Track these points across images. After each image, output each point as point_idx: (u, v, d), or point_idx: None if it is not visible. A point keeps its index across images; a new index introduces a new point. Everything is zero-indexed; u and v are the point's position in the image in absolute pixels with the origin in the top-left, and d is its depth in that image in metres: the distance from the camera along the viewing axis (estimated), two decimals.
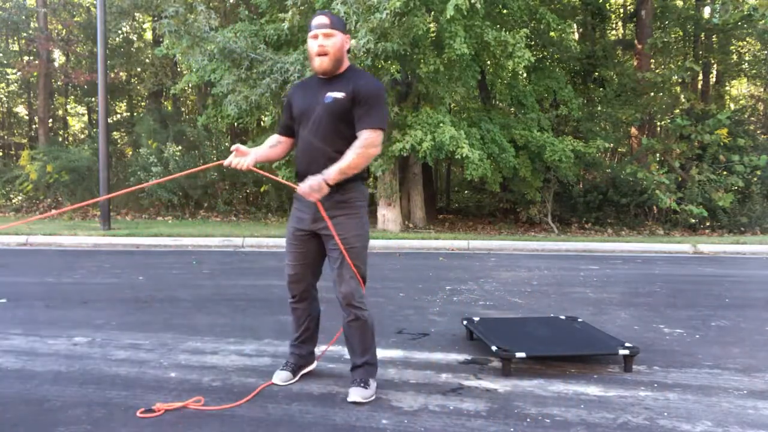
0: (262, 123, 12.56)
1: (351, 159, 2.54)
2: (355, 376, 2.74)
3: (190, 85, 12.59)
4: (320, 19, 2.62)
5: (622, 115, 13.39)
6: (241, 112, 10.14)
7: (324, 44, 2.59)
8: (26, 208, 13.66)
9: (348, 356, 2.86)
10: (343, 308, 2.69)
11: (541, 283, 5.90)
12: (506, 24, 11.04)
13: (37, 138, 15.95)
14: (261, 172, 2.90)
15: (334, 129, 2.60)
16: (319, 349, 3.49)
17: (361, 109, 2.59)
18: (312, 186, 2.50)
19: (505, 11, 11.25)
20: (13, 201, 14.10)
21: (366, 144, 2.57)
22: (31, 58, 16.09)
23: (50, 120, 16.86)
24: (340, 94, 2.59)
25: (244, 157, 2.64)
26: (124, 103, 19.16)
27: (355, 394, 2.66)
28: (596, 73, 14.06)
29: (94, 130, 16.01)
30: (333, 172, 2.52)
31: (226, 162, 2.65)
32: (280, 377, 2.88)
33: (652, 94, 14.05)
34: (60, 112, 18.41)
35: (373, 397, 2.70)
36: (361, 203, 2.70)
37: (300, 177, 2.65)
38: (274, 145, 2.83)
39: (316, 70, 2.66)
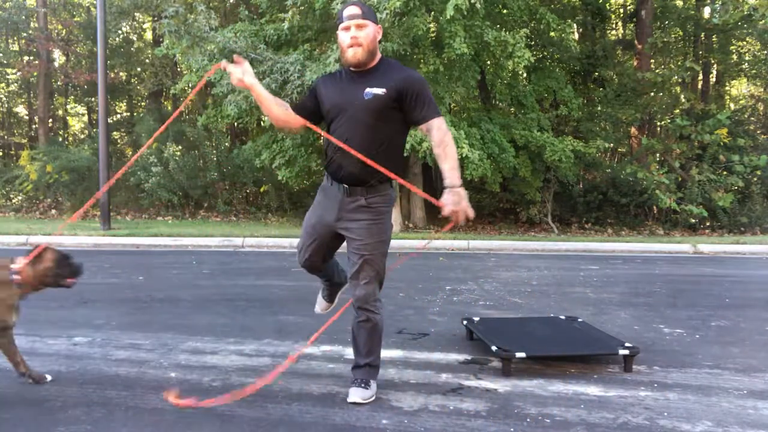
0: (262, 123, 12.54)
1: (451, 151, 2.49)
2: (356, 376, 2.73)
3: (190, 85, 12.57)
4: (352, 10, 2.51)
5: (622, 115, 13.39)
6: (241, 112, 10.14)
7: (357, 35, 2.49)
8: (26, 208, 13.66)
9: (348, 356, 2.86)
10: (355, 309, 2.68)
11: (541, 283, 5.90)
12: (506, 24, 11.04)
13: (37, 138, 15.95)
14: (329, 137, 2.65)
15: (373, 126, 2.52)
16: (320, 349, 3.49)
17: (416, 101, 2.53)
18: (455, 201, 2.42)
19: (505, 11, 11.25)
20: (13, 201, 14.10)
21: (446, 131, 2.54)
22: (31, 58, 16.09)
23: (50, 120, 16.86)
24: (380, 90, 2.50)
25: (240, 69, 2.49)
26: (124, 103, 19.16)
27: (356, 394, 2.66)
28: (596, 73, 14.05)
29: (94, 130, 16.01)
30: (455, 174, 2.45)
31: (222, 65, 2.53)
32: (321, 306, 3.09)
33: (652, 94, 14.05)
34: (60, 112, 18.40)
35: (373, 398, 2.70)
36: (385, 208, 2.64)
37: (334, 171, 2.61)
38: (281, 104, 2.65)
39: (350, 63, 2.54)
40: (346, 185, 2.58)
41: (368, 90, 2.51)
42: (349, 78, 2.60)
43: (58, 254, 2.85)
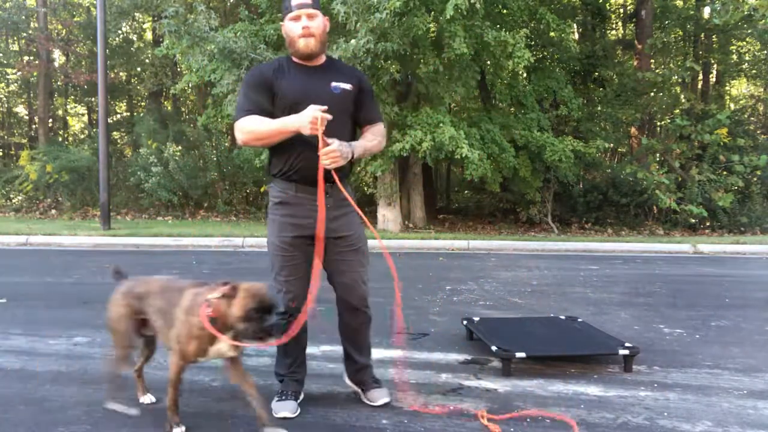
0: None
1: (375, 143, 2.53)
2: (366, 377, 2.70)
3: (190, 85, 12.57)
4: None
5: (622, 115, 13.39)
6: None
7: (309, 25, 2.39)
8: (26, 208, 13.66)
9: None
10: (353, 312, 2.58)
11: (541, 283, 5.90)
12: (506, 24, 11.04)
13: (37, 138, 15.95)
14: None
15: (342, 120, 2.46)
16: (320, 349, 3.49)
17: (369, 100, 2.57)
18: (342, 149, 2.32)
19: (505, 11, 11.25)
20: (13, 201, 14.10)
21: (383, 135, 2.57)
22: (31, 58, 16.09)
23: (50, 120, 16.86)
24: (347, 86, 2.47)
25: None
26: (124, 103, 19.17)
27: (382, 395, 2.64)
28: (596, 73, 14.05)
29: (94, 130, 16.01)
30: (359, 147, 2.43)
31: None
32: (288, 408, 2.53)
33: (652, 94, 14.05)
34: (60, 112, 18.40)
35: None
36: (354, 199, 2.61)
37: (305, 173, 2.40)
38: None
39: (302, 53, 2.42)
40: (326, 184, 2.41)
41: (335, 84, 2.45)
42: (302, 71, 2.46)
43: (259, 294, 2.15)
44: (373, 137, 2.56)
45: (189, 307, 2.23)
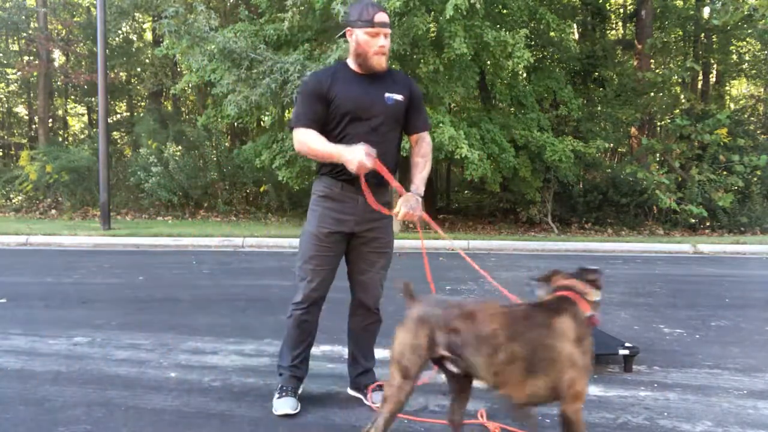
0: (262, 123, 12.55)
1: (429, 166, 2.60)
2: (368, 381, 2.75)
3: (190, 85, 12.56)
4: (383, 17, 2.45)
5: (622, 115, 13.38)
6: (241, 112, 10.14)
7: (385, 44, 2.48)
8: (26, 208, 13.66)
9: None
10: (368, 311, 2.70)
11: None
12: (506, 24, 11.04)
13: (37, 138, 15.95)
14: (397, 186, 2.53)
15: (393, 130, 2.57)
16: (320, 349, 3.49)
17: (420, 109, 2.63)
18: (413, 206, 2.41)
19: (504, 11, 11.25)
20: (13, 201, 14.10)
21: (430, 147, 2.66)
22: (31, 58, 16.09)
23: (50, 120, 16.86)
24: (399, 97, 2.54)
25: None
26: (124, 103, 19.16)
27: None
28: (596, 73, 14.05)
29: (94, 130, 16.02)
30: (421, 185, 2.51)
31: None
32: (289, 405, 2.57)
33: (652, 94, 14.04)
34: (60, 112, 18.40)
35: None
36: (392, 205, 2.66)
37: (349, 172, 2.41)
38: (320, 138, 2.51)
39: (374, 69, 2.50)
40: (375, 186, 2.50)
41: (388, 95, 2.53)
42: (358, 79, 2.54)
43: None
44: (425, 161, 2.59)
45: (577, 335, 1.86)
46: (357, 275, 2.64)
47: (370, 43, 2.46)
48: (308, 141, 2.47)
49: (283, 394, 2.61)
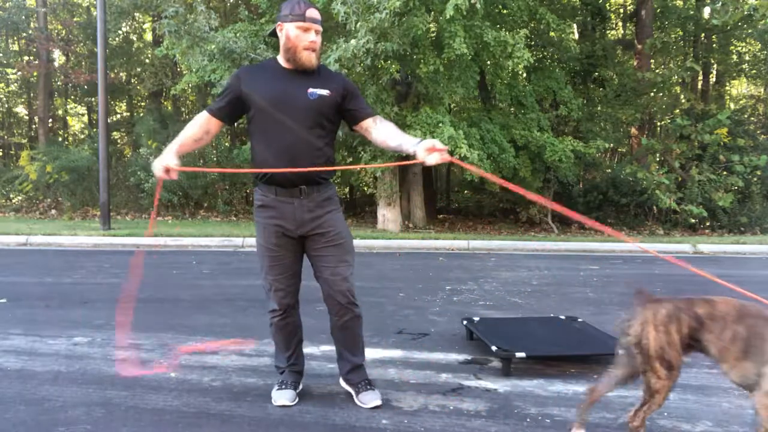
0: None
1: (400, 131, 2.57)
2: (357, 379, 2.69)
3: (190, 85, 12.57)
4: (314, 13, 2.48)
5: (622, 115, 13.39)
6: None
7: (316, 41, 2.49)
8: (26, 208, 13.66)
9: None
10: (339, 309, 2.58)
11: (541, 283, 5.90)
12: (506, 24, 11.04)
13: (37, 138, 15.95)
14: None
15: (320, 124, 2.52)
16: (320, 349, 3.49)
17: (360, 103, 2.61)
18: (430, 143, 2.35)
19: (505, 11, 11.25)
20: (13, 201, 14.10)
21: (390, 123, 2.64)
22: (31, 58, 16.10)
23: (50, 120, 16.86)
24: (324, 92, 2.51)
25: (167, 167, 2.47)
26: (124, 103, 19.16)
27: (374, 398, 2.62)
28: (596, 73, 14.05)
29: (94, 130, 16.01)
30: (412, 138, 2.48)
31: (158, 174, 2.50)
32: (287, 397, 2.64)
33: (652, 94, 14.04)
34: (60, 112, 18.41)
35: None
36: (337, 198, 2.67)
37: (282, 176, 2.49)
38: (199, 138, 2.63)
39: (302, 64, 2.49)
40: (303, 186, 2.51)
41: (312, 90, 2.50)
42: (283, 73, 2.54)
43: None
44: (390, 126, 2.59)
45: None
46: (320, 273, 2.59)
47: (300, 38, 2.47)
48: (187, 125, 2.64)
49: (283, 386, 2.68)
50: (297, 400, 2.67)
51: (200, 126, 2.61)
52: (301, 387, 2.78)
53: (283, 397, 2.64)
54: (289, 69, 2.54)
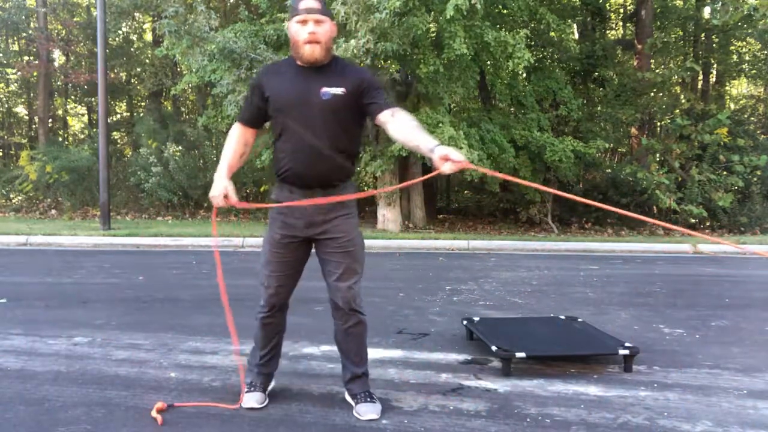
0: None
1: (420, 127, 2.41)
2: (358, 390, 2.61)
3: (190, 86, 12.57)
4: (309, 2, 2.38)
5: (622, 115, 13.38)
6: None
7: (316, 31, 2.36)
8: (26, 208, 13.66)
9: None
10: (344, 314, 2.54)
11: (541, 283, 5.90)
12: (506, 24, 11.04)
13: (37, 138, 15.95)
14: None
15: (337, 125, 2.44)
16: (320, 349, 3.49)
17: (376, 96, 2.47)
18: (450, 154, 2.20)
19: (505, 11, 11.25)
20: (13, 201, 14.10)
21: (409, 116, 2.47)
22: (31, 58, 16.09)
23: (50, 120, 16.86)
24: (339, 90, 2.42)
25: (226, 193, 2.49)
26: (124, 103, 19.16)
27: (370, 410, 2.52)
28: (596, 73, 14.05)
29: (94, 130, 16.00)
30: (431, 139, 2.32)
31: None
32: (255, 399, 2.61)
33: (652, 94, 14.04)
34: (60, 112, 18.40)
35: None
36: (353, 202, 2.58)
37: (299, 177, 2.45)
38: (242, 152, 2.60)
39: (306, 60, 2.41)
40: (318, 189, 2.46)
41: (325, 89, 2.41)
42: (298, 73, 2.47)
43: None
44: (415, 127, 2.40)
45: None
46: (327, 278, 2.56)
47: (299, 32, 2.39)
48: (228, 141, 2.59)
49: (252, 389, 2.66)
50: (266, 402, 2.64)
51: (238, 140, 2.57)
52: (271, 387, 2.75)
53: (251, 399, 2.61)
54: (303, 67, 2.46)
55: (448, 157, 2.19)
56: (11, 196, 14.19)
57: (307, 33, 2.37)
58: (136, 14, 15.96)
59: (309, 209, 2.48)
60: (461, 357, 3.40)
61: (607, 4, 16.44)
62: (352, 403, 2.62)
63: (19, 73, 16.17)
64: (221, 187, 2.46)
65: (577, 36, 14.95)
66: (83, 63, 16.75)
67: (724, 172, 12.21)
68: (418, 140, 2.35)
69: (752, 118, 17.03)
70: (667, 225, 2.56)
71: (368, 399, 2.58)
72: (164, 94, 16.58)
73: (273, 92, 2.46)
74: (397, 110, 2.46)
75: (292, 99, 2.43)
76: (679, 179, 12.23)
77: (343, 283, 2.51)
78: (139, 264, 6.89)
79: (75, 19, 16.41)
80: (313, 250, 2.61)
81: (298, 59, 2.45)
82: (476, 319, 3.84)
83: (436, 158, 2.23)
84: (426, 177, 2.62)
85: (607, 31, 17.72)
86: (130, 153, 15.98)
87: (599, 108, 13.96)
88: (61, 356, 3.33)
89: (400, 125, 2.41)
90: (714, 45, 16.64)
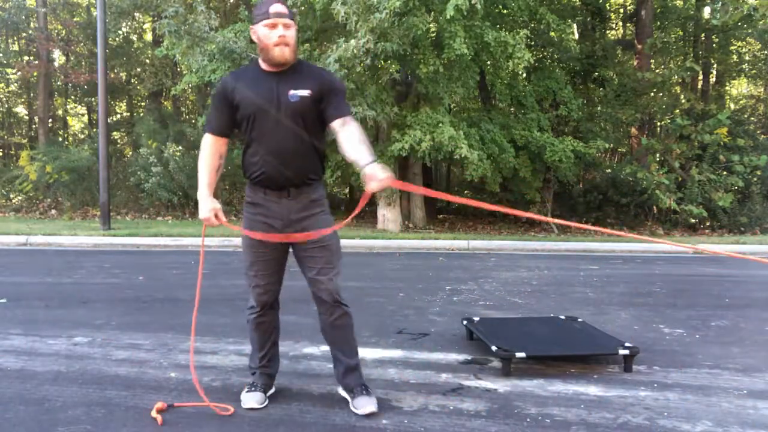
0: None
1: (363, 137, 2.45)
2: (353, 383, 2.62)
3: (190, 86, 12.57)
4: (278, 7, 2.44)
5: (622, 115, 13.39)
6: None
7: (285, 34, 2.43)
8: (26, 208, 13.66)
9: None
10: (328, 307, 2.57)
11: (541, 283, 5.90)
12: (506, 24, 11.04)
13: (37, 138, 15.95)
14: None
15: (305, 126, 2.50)
16: (320, 349, 3.49)
17: (334, 101, 2.51)
18: (377, 175, 2.26)
19: (505, 11, 11.25)
20: (13, 201, 14.10)
21: (360, 128, 2.50)
22: (31, 58, 16.10)
23: (50, 120, 16.86)
24: (305, 92, 2.47)
25: (216, 212, 2.51)
26: (124, 103, 19.17)
27: (368, 404, 2.54)
28: (596, 73, 14.05)
29: (94, 130, 16.02)
30: (368, 153, 2.36)
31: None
32: (256, 399, 2.63)
33: (652, 94, 14.04)
34: (60, 112, 18.41)
35: None
36: (326, 200, 2.65)
37: (271, 179, 2.50)
38: (217, 165, 2.59)
39: (276, 61, 2.46)
40: (291, 188, 2.51)
41: (293, 92, 2.47)
42: (263, 76, 2.51)
43: None
44: (357, 134, 2.44)
45: None
46: (307, 274, 2.60)
47: (269, 36, 2.43)
48: (201, 155, 2.59)
49: (253, 389, 2.67)
50: (266, 403, 2.64)
51: (212, 154, 2.58)
52: (272, 390, 2.75)
53: (252, 399, 2.62)
54: (269, 71, 2.51)
55: (374, 177, 2.26)
56: (11, 196, 14.20)
57: (277, 36, 2.43)
58: (136, 14, 15.97)
59: (283, 210, 2.54)
60: (461, 357, 3.40)
61: (607, 4, 16.44)
62: (348, 398, 2.64)
63: (19, 73, 16.18)
64: (210, 209, 2.51)
65: (577, 36, 14.95)
66: (83, 63, 16.76)
67: (724, 172, 12.21)
68: (358, 155, 2.39)
69: (752, 118, 17.04)
70: (662, 241, 2.55)
71: (365, 392, 2.59)
72: (164, 94, 16.58)
73: (242, 97, 2.49)
74: (349, 120, 2.51)
75: (261, 103, 2.47)
76: (679, 179, 12.23)
77: (323, 276, 2.55)
78: (139, 264, 6.89)
79: (75, 19, 16.42)
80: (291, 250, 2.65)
81: (267, 61, 2.50)
82: (476, 319, 3.84)
83: (363, 176, 2.31)
84: (431, 192, 2.56)
85: (607, 31, 17.72)
86: (130, 153, 15.99)
87: (599, 108, 13.96)
88: (61, 356, 3.33)
89: (347, 136, 2.46)
90: (714, 45, 16.65)
